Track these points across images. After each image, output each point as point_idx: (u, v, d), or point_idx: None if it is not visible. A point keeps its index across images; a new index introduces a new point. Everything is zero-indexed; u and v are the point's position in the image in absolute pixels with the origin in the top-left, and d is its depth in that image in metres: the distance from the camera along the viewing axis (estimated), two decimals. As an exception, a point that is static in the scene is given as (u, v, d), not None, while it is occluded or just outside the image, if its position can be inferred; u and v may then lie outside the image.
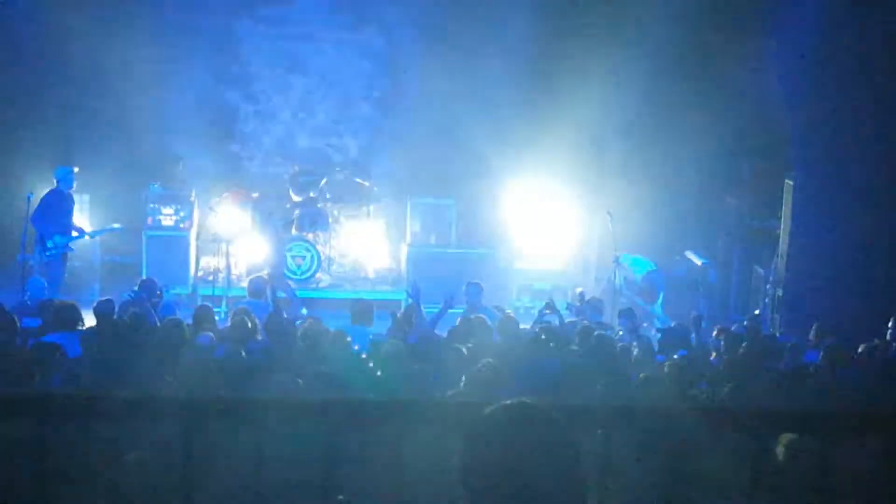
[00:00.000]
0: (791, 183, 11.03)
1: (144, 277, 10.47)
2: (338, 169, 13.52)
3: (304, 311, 10.28)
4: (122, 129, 12.97)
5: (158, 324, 8.04)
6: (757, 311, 9.45)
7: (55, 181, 10.96)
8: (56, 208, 10.87)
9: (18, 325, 7.84)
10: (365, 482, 3.95)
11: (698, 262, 12.88)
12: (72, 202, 11.18)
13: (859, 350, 7.85)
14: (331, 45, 13.74)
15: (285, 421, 3.83)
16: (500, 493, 2.41)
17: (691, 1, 12.07)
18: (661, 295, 11.68)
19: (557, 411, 2.49)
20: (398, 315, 8.85)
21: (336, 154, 13.84)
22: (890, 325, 8.54)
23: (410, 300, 8.84)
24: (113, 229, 11.80)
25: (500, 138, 13.81)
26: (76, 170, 11.18)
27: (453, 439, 2.72)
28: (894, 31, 9.69)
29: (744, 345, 7.95)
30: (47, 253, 10.77)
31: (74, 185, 11.12)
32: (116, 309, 8.25)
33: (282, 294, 11.32)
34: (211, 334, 7.74)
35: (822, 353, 7.68)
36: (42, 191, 11.25)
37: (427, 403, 3.86)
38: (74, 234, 11.12)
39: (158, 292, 9.41)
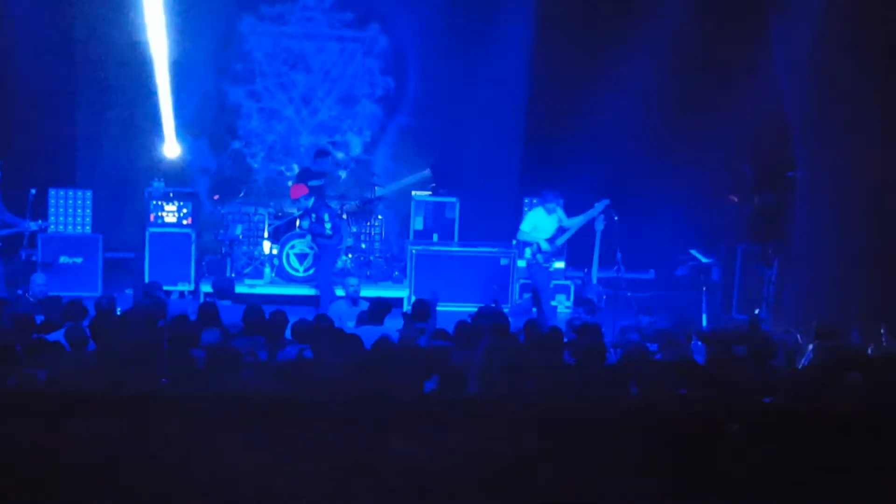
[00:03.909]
0: (793, 182, 11.02)
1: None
2: (341, 166, 13.54)
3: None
4: (124, 125, 13.02)
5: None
6: (757, 311, 9.46)
7: None
8: None
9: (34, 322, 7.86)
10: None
11: (702, 260, 12.89)
12: None
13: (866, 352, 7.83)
14: (334, 43, 13.75)
15: (300, 420, 3.84)
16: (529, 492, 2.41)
17: (693, 2, 12.10)
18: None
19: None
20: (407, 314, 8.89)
21: (339, 151, 13.84)
22: (882, 330, 8.49)
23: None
24: (28, 227, 11.50)
25: (503, 136, 13.86)
26: None
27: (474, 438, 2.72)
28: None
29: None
30: None
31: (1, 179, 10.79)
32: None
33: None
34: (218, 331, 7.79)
35: (818, 354, 7.65)
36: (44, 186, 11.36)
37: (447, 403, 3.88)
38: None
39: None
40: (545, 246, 11.12)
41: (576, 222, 11.25)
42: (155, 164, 12.79)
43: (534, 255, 11.21)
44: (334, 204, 12.39)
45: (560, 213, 11.24)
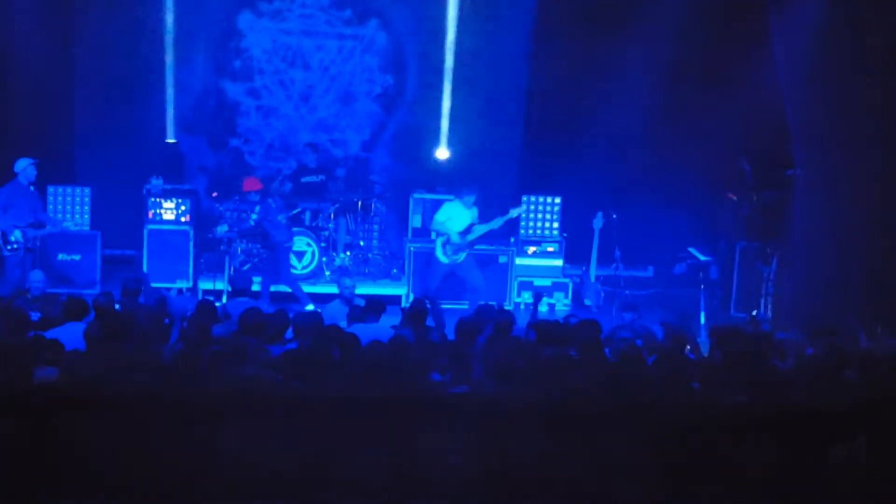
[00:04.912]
0: (792, 180, 11.03)
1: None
2: (339, 164, 13.55)
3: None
4: (123, 122, 13.01)
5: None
6: (755, 312, 9.46)
7: (15, 173, 10.82)
8: (16, 202, 10.73)
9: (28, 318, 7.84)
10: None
11: (701, 258, 12.89)
12: (33, 195, 10.94)
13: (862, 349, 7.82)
14: (333, 40, 13.74)
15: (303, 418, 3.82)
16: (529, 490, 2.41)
17: (691, 2, 12.11)
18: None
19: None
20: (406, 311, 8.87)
21: (337, 149, 13.84)
22: (879, 331, 8.49)
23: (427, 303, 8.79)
24: (64, 228, 11.55)
25: (502, 134, 13.86)
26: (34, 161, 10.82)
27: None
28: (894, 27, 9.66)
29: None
30: (8, 248, 10.59)
31: (35, 177, 10.80)
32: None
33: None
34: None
35: (816, 352, 7.65)
36: (42, 183, 11.33)
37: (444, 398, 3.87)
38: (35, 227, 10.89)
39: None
40: (455, 238, 11.24)
41: (481, 229, 11.35)
42: (153, 162, 12.78)
43: (443, 245, 11.29)
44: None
45: (475, 213, 11.36)
